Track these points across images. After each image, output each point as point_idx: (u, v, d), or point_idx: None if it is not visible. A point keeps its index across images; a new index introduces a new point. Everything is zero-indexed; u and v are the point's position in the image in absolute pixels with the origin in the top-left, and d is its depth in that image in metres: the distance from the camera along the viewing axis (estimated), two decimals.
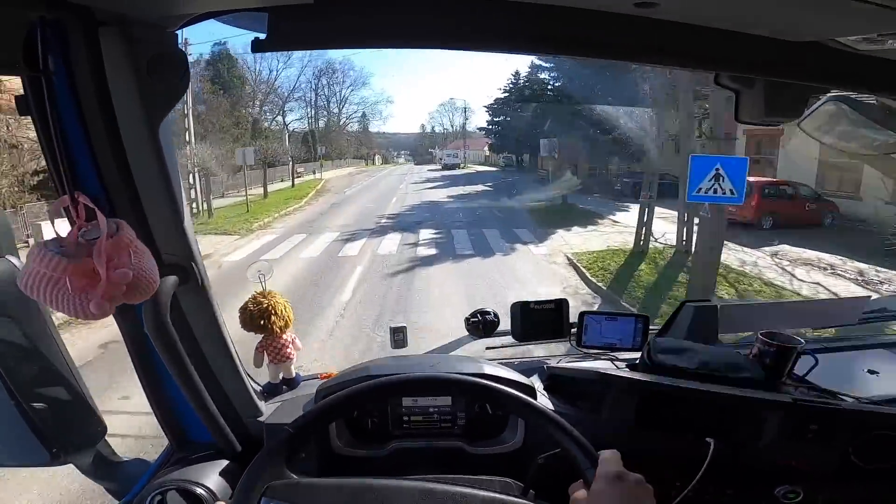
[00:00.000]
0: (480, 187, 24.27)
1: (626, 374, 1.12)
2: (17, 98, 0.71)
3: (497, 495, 0.73)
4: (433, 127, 72.98)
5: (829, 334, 1.40)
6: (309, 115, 43.67)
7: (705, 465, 0.91)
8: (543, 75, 29.12)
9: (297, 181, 26.06)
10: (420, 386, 0.82)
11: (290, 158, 26.72)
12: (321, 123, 44.85)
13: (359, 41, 0.69)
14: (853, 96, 1.02)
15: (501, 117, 35.76)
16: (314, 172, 30.93)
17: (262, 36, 0.69)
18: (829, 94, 1.02)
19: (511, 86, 34.14)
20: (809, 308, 1.37)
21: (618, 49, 0.71)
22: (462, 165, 43.76)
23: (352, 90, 49.33)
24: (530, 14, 0.63)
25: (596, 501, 0.63)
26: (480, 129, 40.97)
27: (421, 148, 67.80)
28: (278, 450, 0.71)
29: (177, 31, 0.77)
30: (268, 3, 0.65)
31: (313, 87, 42.82)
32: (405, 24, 0.65)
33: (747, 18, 0.64)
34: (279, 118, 37.04)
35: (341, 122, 48.78)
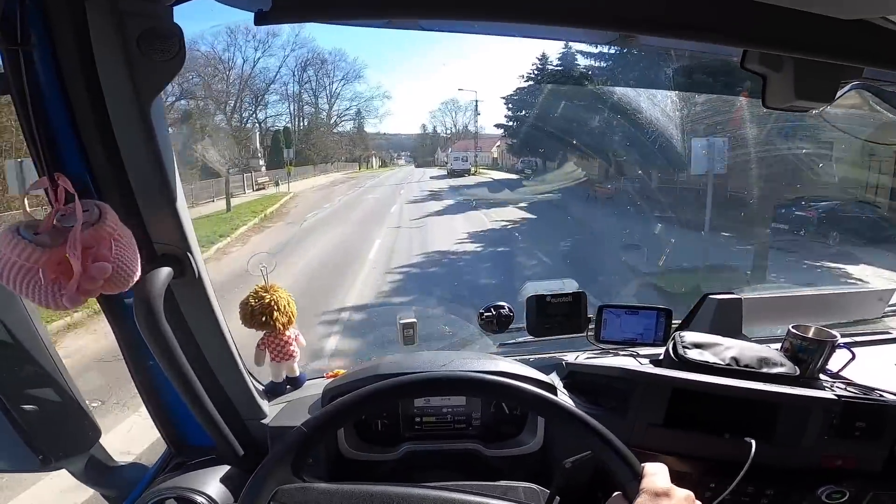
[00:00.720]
0: (515, 214, 15.20)
1: (653, 370, 1.06)
2: None
3: None
4: (434, 127, 66.69)
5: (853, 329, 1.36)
6: (291, 112, 38.32)
7: (746, 466, 0.85)
8: (585, 60, 20.63)
9: (256, 194, 19.87)
10: (443, 385, 0.75)
11: (229, 168, 19.71)
12: (306, 122, 39.76)
13: (363, 12, 0.63)
14: (879, 85, 0.98)
15: (524, 111, 28.01)
16: (278, 184, 23.32)
17: (266, 8, 0.62)
18: (853, 82, 0.97)
19: (536, 72, 26.37)
20: (835, 300, 1.32)
21: (641, 23, 0.65)
22: (474, 171, 35.85)
23: (344, 84, 43.82)
24: None
25: None
26: (498, 125, 32.94)
27: (421, 149, 64.66)
28: (287, 454, 0.66)
29: (172, 6, 0.71)
30: None
31: (297, 79, 37.51)
32: None
33: None
34: (259, 114, 32.44)
35: (332, 121, 43.95)
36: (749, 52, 0.82)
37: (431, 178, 33.05)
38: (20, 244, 0.57)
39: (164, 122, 0.78)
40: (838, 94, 0.97)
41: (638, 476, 0.61)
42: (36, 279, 0.57)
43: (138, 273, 0.68)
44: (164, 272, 0.77)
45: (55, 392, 0.87)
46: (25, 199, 0.63)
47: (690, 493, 0.60)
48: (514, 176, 29.17)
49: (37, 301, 0.59)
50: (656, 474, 0.61)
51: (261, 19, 0.62)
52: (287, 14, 0.62)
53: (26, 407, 0.82)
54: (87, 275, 0.60)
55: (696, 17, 0.65)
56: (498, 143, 42.01)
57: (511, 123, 29.41)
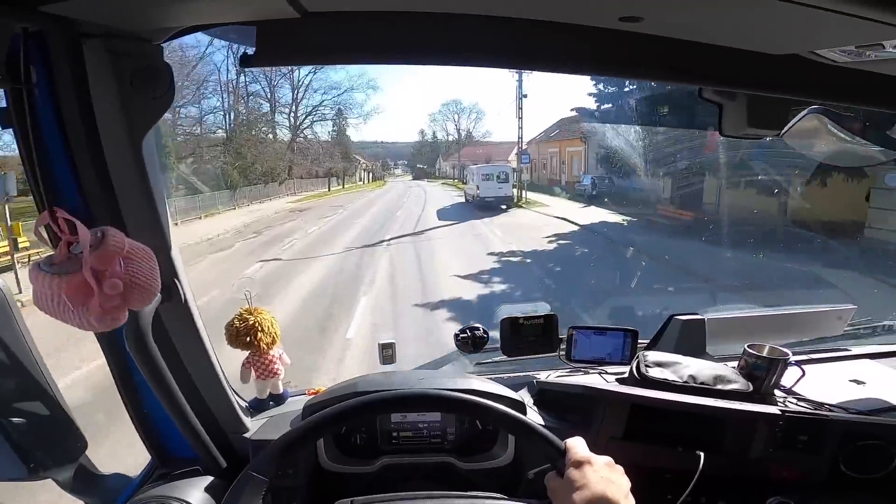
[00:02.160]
0: None
1: (615, 387, 1.12)
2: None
3: None
4: (434, 132, 59.04)
5: (813, 346, 1.41)
6: (225, 108, 27.30)
7: (695, 478, 0.91)
8: None
9: None
10: (397, 403, 0.82)
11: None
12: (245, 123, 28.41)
13: (349, 57, 0.70)
14: (834, 109, 1.05)
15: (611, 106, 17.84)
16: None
17: (251, 50, 0.69)
18: (810, 108, 1.04)
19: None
20: (795, 320, 1.38)
21: (603, 64, 0.73)
22: (519, 201, 21.99)
23: (314, 71, 31.97)
24: (517, 29, 0.64)
25: (570, 486, 0.65)
26: (576, 109, 24.08)
27: (419, 157, 56.92)
28: (261, 469, 0.70)
29: (162, 44, 0.77)
30: (254, 17, 0.65)
31: (235, 59, 22.40)
32: (394, 40, 0.65)
33: (729, 32, 0.66)
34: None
35: (301, 124, 32.97)
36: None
37: (440, 213, 19.47)
38: (42, 277, 0.63)
39: (155, 155, 0.83)
40: (795, 119, 1.05)
41: (562, 451, 0.70)
42: (65, 305, 0.63)
43: (158, 286, 0.73)
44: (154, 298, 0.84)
45: (44, 404, 0.90)
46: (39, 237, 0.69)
47: (609, 459, 0.70)
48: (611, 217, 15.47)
49: (72, 324, 0.65)
50: (576, 447, 0.70)
51: (245, 62, 0.69)
52: (271, 58, 0.69)
53: (16, 419, 0.85)
54: (103, 294, 0.65)
55: (651, 58, 0.72)
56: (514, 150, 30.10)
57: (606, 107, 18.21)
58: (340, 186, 35.20)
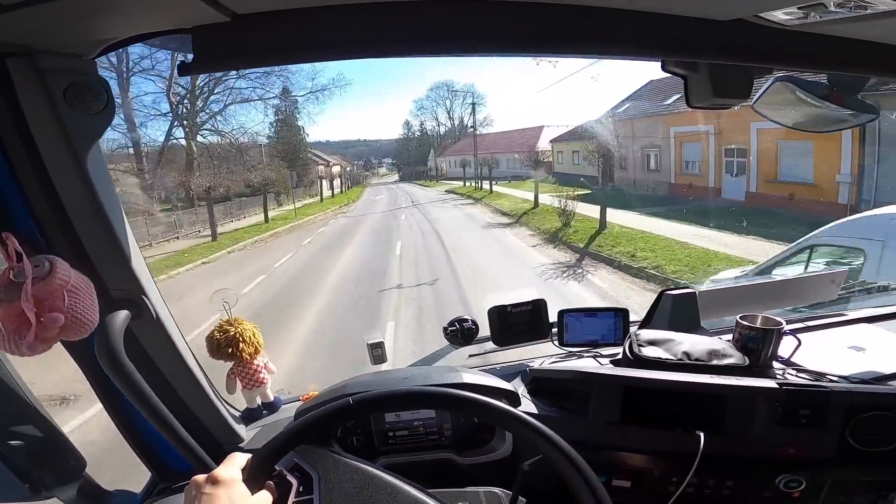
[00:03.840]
0: None
1: (609, 370, 1.10)
2: None
3: None
4: (423, 122, 49.04)
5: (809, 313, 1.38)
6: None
7: (697, 459, 0.88)
8: None
9: None
10: (395, 401, 0.80)
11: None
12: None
13: (285, 56, 0.67)
14: (798, 75, 1.02)
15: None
16: None
17: (190, 58, 0.66)
18: (776, 76, 1.02)
19: None
20: (788, 287, 1.35)
21: (560, 43, 0.69)
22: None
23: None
24: (462, 12, 0.61)
25: None
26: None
27: (406, 154, 48.35)
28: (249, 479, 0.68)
29: (95, 59, 0.74)
30: (185, 24, 0.62)
31: None
32: (334, 34, 0.62)
33: (709, 5, 0.63)
34: None
35: (202, 113, 21.31)
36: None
37: None
38: None
39: (105, 170, 0.80)
40: (764, 88, 1.02)
41: None
42: None
43: (96, 320, 0.71)
44: (122, 315, 0.81)
45: (36, 426, 0.92)
46: None
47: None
48: None
49: (3, 349, 0.64)
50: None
51: (184, 70, 0.66)
52: (207, 64, 0.66)
53: (11, 440, 0.88)
54: (41, 325, 0.64)
55: (609, 35, 0.69)
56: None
57: None
58: (292, 207, 21.18)
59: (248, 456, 0.67)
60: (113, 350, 0.79)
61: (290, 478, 0.70)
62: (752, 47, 0.73)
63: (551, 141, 25.37)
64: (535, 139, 28.67)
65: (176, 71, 0.69)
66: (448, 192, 27.93)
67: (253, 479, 0.65)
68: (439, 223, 15.21)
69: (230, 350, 1.11)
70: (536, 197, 15.80)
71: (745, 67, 0.84)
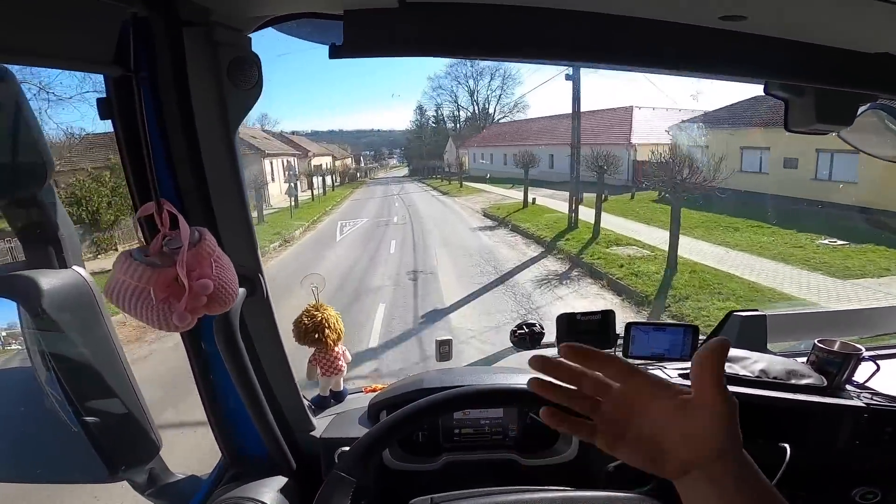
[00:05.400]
0: None
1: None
2: (99, 101, 0.70)
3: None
4: (439, 107, 39.88)
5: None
6: None
7: (782, 469, 0.90)
8: None
9: None
10: (492, 398, 0.82)
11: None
12: None
13: (443, 50, 0.68)
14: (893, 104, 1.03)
15: None
16: None
17: (339, 42, 0.67)
18: (871, 103, 1.03)
19: None
20: (859, 316, 1.36)
21: (666, 59, 0.71)
22: None
23: None
24: (615, 26, 0.65)
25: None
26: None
27: (419, 144, 39.01)
28: (349, 469, 0.72)
29: (250, 35, 0.76)
30: (348, 6, 0.64)
31: None
32: (494, 35, 0.65)
33: (827, 31, 0.66)
34: None
35: None
36: None
37: None
38: (133, 265, 0.63)
39: (239, 150, 0.83)
40: (858, 113, 1.03)
41: None
42: (147, 299, 0.63)
43: (237, 292, 0.73)
44: (241, 292, 0.84)
45: (125, 404, 0.89)
46: (137, 227, 0.71)
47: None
48: None
49: (148, 321, 0.64)
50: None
51: (335, 52, 0.67)
52: (357, 49, 0.67)
53: (100, 419, 0.84)
54: (192, 293, 0.65)
55: (720, 55, 0.71)
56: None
57: None
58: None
59: None
60: (231, 328, 0.82)
61: None
62: (866, 74, 0.75)
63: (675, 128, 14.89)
64: (623, 125, 18.35)
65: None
66: (492, 216, 15.59)
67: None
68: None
69: (316, 336, 1.15)
70: None
71: (855, 96, 0.86)
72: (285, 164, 23.72)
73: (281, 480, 0.98)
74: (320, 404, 1.25)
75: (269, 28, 0.78)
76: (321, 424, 1.15)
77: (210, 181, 0.80)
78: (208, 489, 1.02)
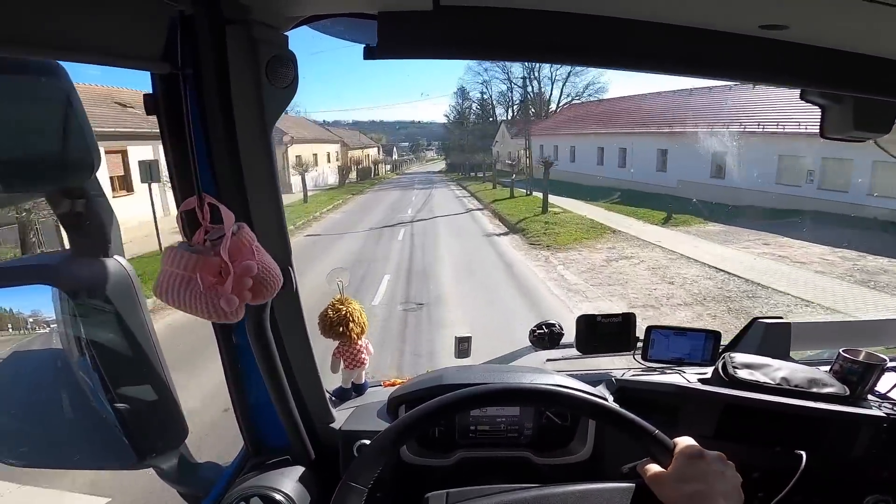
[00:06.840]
0: None
1: (704, 387, 1.11)
2: (145, 97, 0.72)
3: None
4: (483, 92, 33.59)
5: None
6: None
7: (797, 476, 0.90)
8: None
9: None
10: (504, 396, 0.82)
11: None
12: None
13: (476, 52, 0.69)
14: None
15: None
16: None
17: (373, 44, 0.68)
18: None
19: None
20: (885, 327, 1.34)
21: (738, 69, 0.72)
22: None
23: None
24: (657, 33, 0.65)
25: (679, 477, 0.65)
26: None
27: (458, 134, 33.19)
28: (358, 478, 0.71)
29: (286, 34, 0.77)
30: (383, 7, 0.65)
31: None
32: (530, 38, 0.65)
33: (867, 40, 0.65)
34: None
35: None
36: None
37: None
38: (179, 254, 0.66)
39: (274, 147, 0.84)
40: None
41: (670, 449, 0.69)
42: (195, 287, 0.65)
43: (281, 277, 0.75)
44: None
45: (156, 391, 0.90)
46: (180, 221, 0.73)
47: (722, 455, 0.69)
48: None
49: (197, 310, 0.66)
50: (689, 443, 0.69)
51: (369, 54, 0.69)
52: (391, 51, 0.68)
53: (133, 406, 0.85)
54: (237, 276, 0.67)
55: (759, 62, 0.71)
56: None
57: None
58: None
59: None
60: (261, 316, 0.84)
61: None
62: None
63: None
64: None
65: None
66: None
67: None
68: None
69: (340, 329, 1.17)
70: None
71: (892, 103, 0.85)
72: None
73: (300, 471, 1.00)
74: (341, 396, 1.27)
75: (304, 26, 0.81)
76: (341, 416, 1.17)
77: (246, 177, 0.82)
78: (231, 475, 1.04)
